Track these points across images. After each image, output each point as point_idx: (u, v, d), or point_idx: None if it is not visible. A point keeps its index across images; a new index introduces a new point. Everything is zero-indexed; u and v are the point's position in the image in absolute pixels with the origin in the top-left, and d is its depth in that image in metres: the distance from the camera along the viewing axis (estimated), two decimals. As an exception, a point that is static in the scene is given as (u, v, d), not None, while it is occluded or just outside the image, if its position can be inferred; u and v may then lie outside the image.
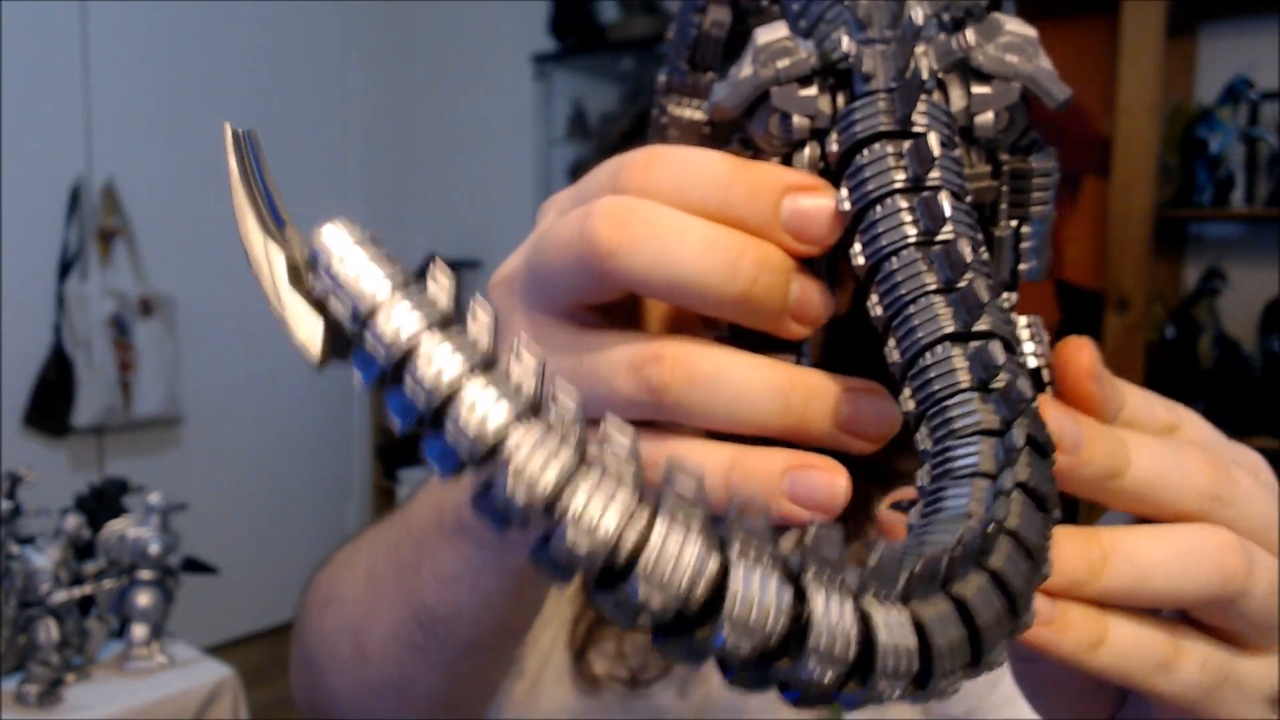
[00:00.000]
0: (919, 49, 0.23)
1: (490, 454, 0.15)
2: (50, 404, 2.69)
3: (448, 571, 0.38)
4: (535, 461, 0.15)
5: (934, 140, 0.22)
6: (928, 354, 0.21)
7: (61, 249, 2.73)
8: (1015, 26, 0.24)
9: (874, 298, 0.22)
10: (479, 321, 0.17)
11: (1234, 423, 1.99)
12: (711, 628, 0.15)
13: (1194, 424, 0.27)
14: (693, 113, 0.33)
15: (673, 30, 0.33)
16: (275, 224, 0.18)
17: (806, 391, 0.24)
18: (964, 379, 0.20)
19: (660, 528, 0.15)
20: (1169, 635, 0.25)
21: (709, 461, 0.23)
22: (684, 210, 0.24)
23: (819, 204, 0.23)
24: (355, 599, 0.46)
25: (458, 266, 3.49)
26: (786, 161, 0.25)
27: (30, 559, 1.32)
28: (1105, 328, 2.08)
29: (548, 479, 0.15)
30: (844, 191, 0.23)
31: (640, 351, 0.24)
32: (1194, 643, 0.25)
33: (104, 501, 1.72)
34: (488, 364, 0.16)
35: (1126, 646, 0.24)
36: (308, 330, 0.18)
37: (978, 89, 0.24)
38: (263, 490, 3.20)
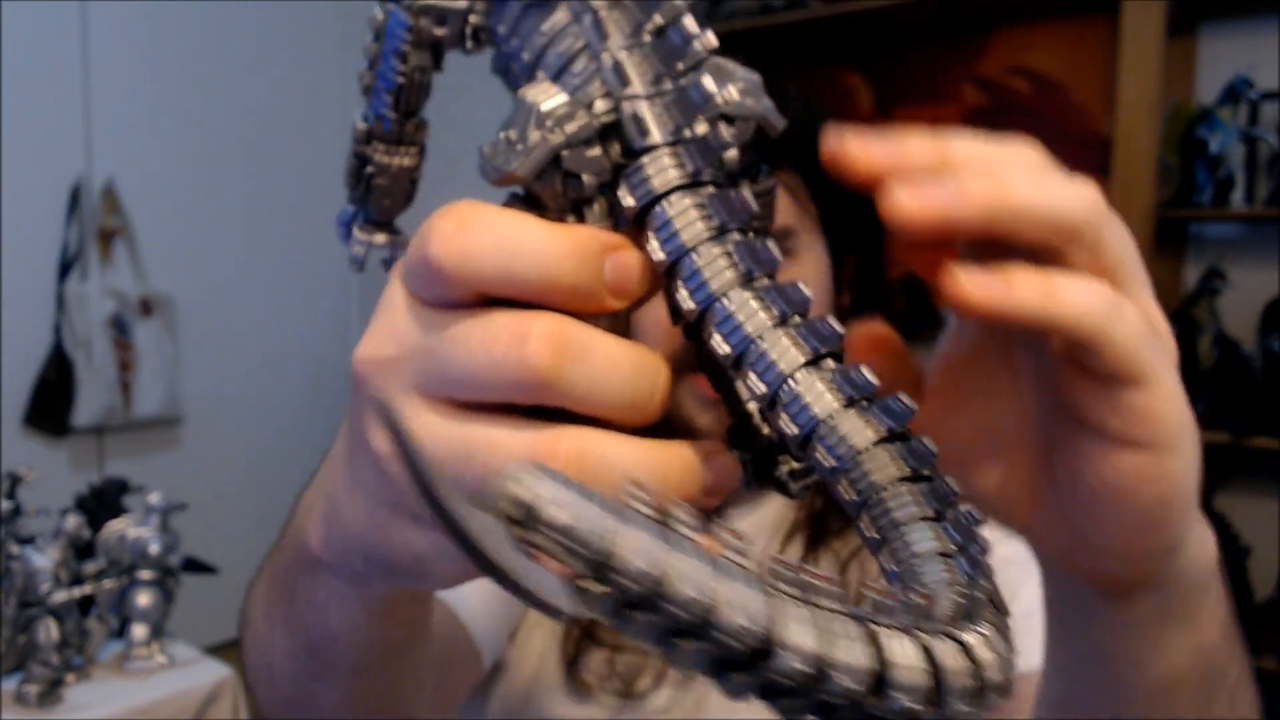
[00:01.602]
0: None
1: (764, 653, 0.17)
2: (50, 404, 2.69)
3: (317, 600, 0.39)
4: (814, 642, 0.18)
5: (746, 191, 0.26)
6: (790, 382, 0.24)
7: (61, 249, 2.73)
8: (744, 72, 0.26)
9: (716, 338, 0.25)
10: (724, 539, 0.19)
11: (1234, 423, 2.00)
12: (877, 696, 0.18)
13: None
14: (401, 160, 0.34)
15: (369, 76, 0.34)
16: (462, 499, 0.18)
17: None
18: (874, 440, 0.24)
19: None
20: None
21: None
22: (514, 283, 0.25)
23: (633, 261, 0.25)
24: (260, 620, 0.48)
25: (458, 266, 3.49)
26: (578, 217, 0.27)
27: (30, 559, 1.32)
28: (1105, 328, 2.08)
29: (855, 659, 0.18)
30: (654, 243, 0.25)
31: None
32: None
33: (104, 501, 1.72)
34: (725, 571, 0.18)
35: (1078, 288, 0.27)
36: (550, 585, 0.18)
37: (726, 130, 0.26)
38: (263, 490, 3.20)
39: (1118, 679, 0.37)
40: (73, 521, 1.40)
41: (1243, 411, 1.98)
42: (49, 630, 1.31)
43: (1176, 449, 0.30)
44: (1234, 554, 2.09)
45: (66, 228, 2.74)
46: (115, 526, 1.41)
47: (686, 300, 0.25)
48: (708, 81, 0.25)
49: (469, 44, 0.31)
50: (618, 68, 0.26)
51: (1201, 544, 0.33)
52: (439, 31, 0.30)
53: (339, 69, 3.38)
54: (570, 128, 0.26)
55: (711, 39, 0.26)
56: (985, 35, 2.52)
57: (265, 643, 0.46)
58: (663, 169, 0.25)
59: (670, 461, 0.25)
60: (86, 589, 1.36)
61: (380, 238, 0.36)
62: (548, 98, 0.26)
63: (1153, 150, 2.03)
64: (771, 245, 0.25)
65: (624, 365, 0.25)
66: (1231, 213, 2.10)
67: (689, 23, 0.26)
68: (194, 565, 1.61)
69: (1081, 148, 2.41)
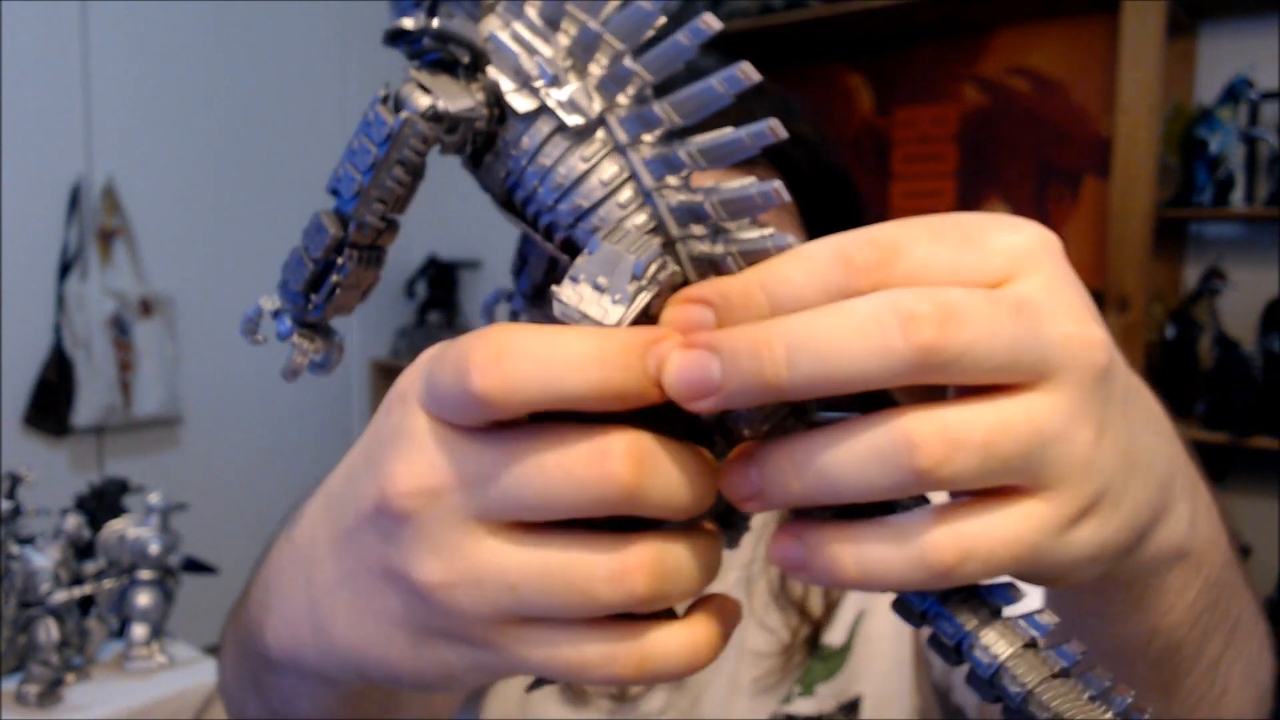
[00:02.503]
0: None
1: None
2: (50, 404, 2.69)
3: (283, 692, 0.39)
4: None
5: None
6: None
7: (61, 249, 2.73)
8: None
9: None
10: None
11: (1234, 423, 1.99)
12: None
13: None
14: (374, 272, 0.33)
15: (359, 179, 0.30)
16: None
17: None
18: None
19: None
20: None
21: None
22: (560, 398, 0.25)
23: (680, 351, 0.26)
24: (231, 680, 0.48)
25: (457, 267, 3.49)
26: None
27: (30, 559, 1.32)
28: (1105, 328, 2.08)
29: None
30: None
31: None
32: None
33: (104, 501, 1.72)
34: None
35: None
36: None
37: None
38: (263, 490, 3.20)
39: None
40: (73, 521, 1.40)
41: (1243, 411, 1.98)
42: (49, 630, 1.31)
43: (1123, 494, 0.27)
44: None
45: (66, 228, 2.74)
46: (115, 526, 1.41)
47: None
48: (752, 234, 0.28)
49: (467, 149, 0.31)
50: (686, 210, 0.28)
51: (1170, 533, 0.31)
52: (446, 139, 0.30)
53: (339, 69, 3.38)
54: (663, 276, 0.27)
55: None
56: (985, 35, 2.52)
57: (239, 704, 0.47)
58: None
59: (715, 555, 0.28)
60: (86, 589, 1.36)
61: (319, 344, 0.34)
62: (641, 251, 0.27)
63: (1153, 150, 2.03)
64: None
65: (691, 470, 0.26)
66: (1231, 213, 2.10)
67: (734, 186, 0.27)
68: (194, 565, 1.60)
69: (1081, 148, 2.41)
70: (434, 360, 0.27)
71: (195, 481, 2.81)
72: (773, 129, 0.26)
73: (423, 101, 0.29)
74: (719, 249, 0.28)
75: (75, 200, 2.74)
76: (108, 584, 1.39)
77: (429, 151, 0.30)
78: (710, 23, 0.26)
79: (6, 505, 1.33)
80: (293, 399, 3.33)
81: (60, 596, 1.32)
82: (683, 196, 0.28)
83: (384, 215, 0.31)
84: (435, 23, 0.29)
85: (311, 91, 3.31)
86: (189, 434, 3.06)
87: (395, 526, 0.27)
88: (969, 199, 2.58)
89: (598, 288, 0.27)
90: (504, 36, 0.29)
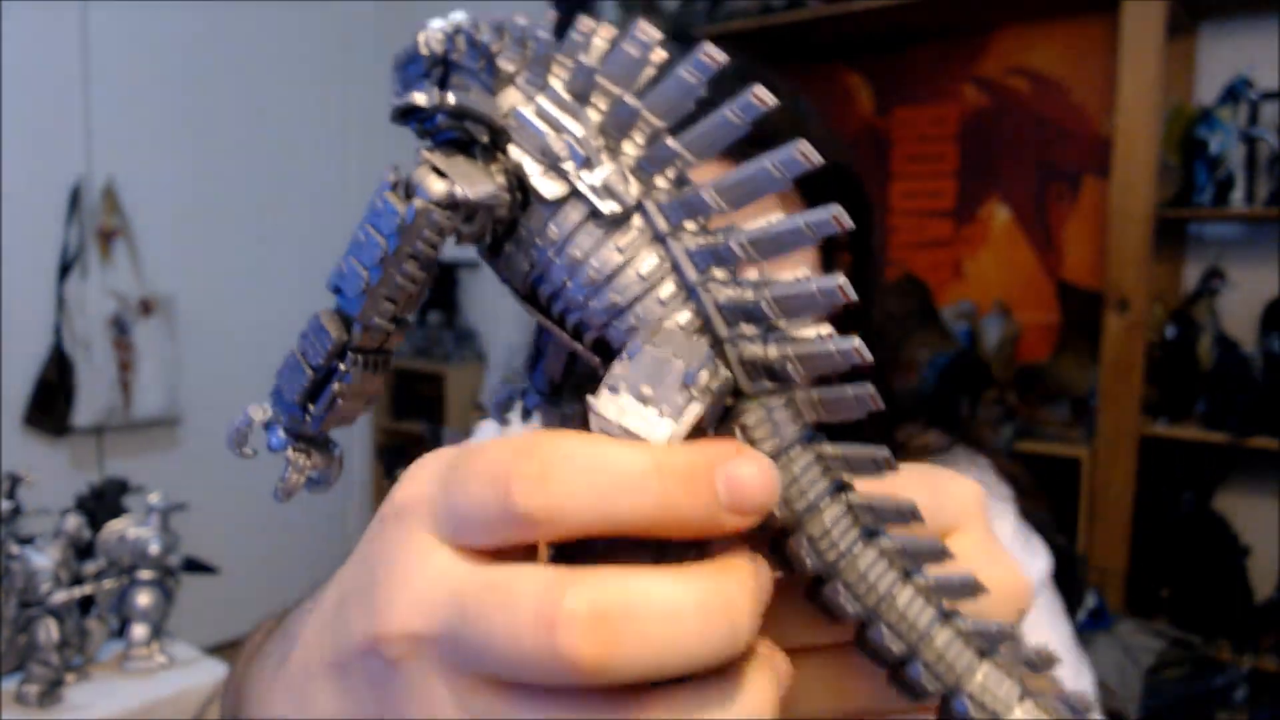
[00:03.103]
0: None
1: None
2: (50, 404, 2.69)
3: None
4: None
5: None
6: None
7: (61, 249, 2.73)
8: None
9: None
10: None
11: (1234, 423, 1.99)
12: None
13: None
14: (377, 380, 0.30)
15: (365, 275, 0.27)
16: None
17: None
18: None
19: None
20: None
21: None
22: (613, 524, 0.22)
23: (751, 473, 0.23)
24: None
25: (457, 267, 3.49)
26: None
27: (30, 559, 1.31)
28: (1105, 328, 2.08)
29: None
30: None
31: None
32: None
33: (104, 501, 1.72)
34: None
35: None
36: None
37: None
38: (263, 490, 3.19)
39: None
40: (73, 521, 1.40)
41: (1243, 411, 1.98)
42: (49, 630, 1.31)
43: None
44: (1234, 554, 2.09)
45: (66, 228, 2.74)
46: (115, 526, 1.41)
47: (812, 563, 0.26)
48: (808, 332, 0.25)
49: (486, 238, 0.28)
50: (737, 308, 0.25)
51: None
52: (463, 228, 0.27)
53: (339, 70, 3.38)
54: (715, 385, 0.24)
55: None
56: (985, 35, 2.52)
57: None
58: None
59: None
60: (86, 589, 1.36)
61: (317, 460, 0.31)
62: (691, 356, 0.24)
63: (1153, 150, 2.03)
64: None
65: (687, 616, 0.21)
66: (1231, 213, 2.10)
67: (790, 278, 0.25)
68: (194, 565, 1.60)
69: (1081, 148, 2.41)
70: (454, 472, 0.24)
71: (195, 481, 2.81)
72: (834, 219, 0.24)
73: (438, 187, 0.26)
74: (774, 352, 0.25)
75: (75, 200, 2.74)
76: (108, 584, 1.39)
77: (444, 243, 0.27)
78: (714, 55, 0.24)
79: (6, 505, 1.33)
80: (293, 399, 3.32)
81: (60, 596, 1.32)
82: (731, 292, 0.25)
83: (394, 316, 0.27)
84: (450, 98, 0.26)
85: (312, 92, 3.31)
86: (189, 434, 3.06)
87: (385, 674, 0.24)
88: (969, 199, 2.58)
89: (641, 399, 0.23)
90: (528, 112, 0.26)
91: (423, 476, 0.25)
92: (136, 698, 1.37)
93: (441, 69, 0.27)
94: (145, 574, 1.40)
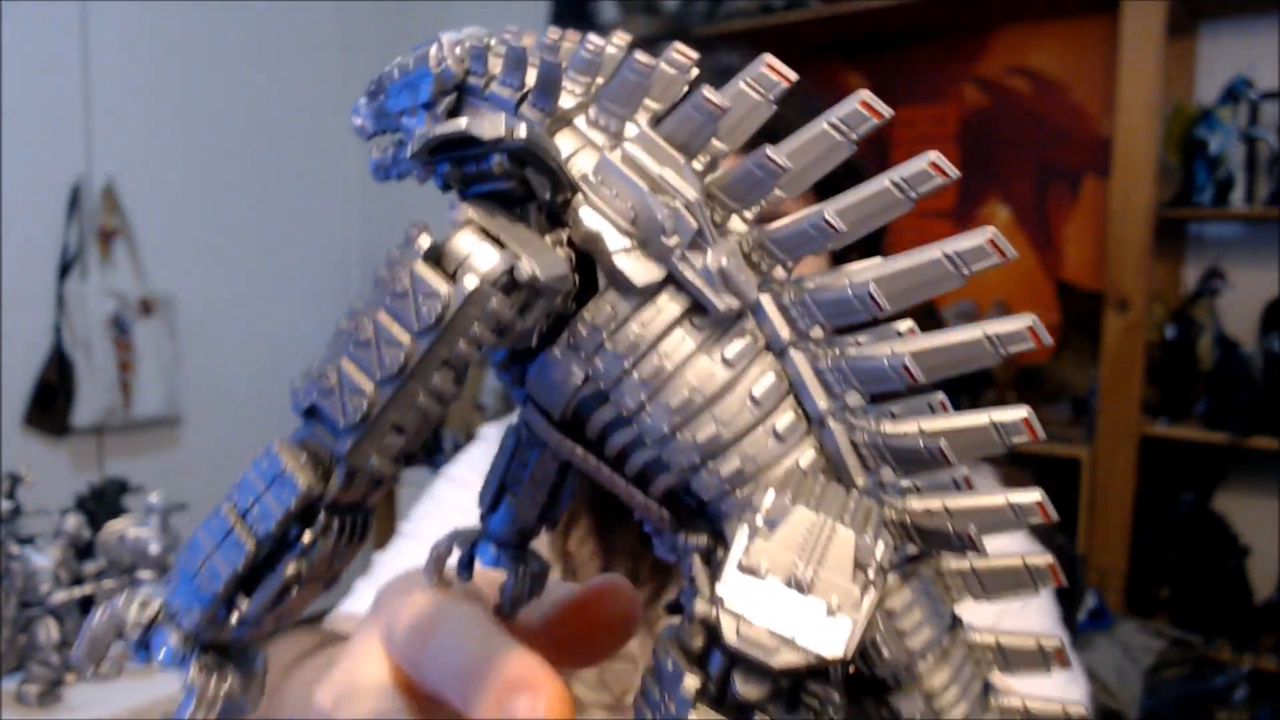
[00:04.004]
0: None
1: None
2: (50, 404, 2.69)
3: None
4: None
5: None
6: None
7: (61, 249, 2.73)
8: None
9: None
10: None
11: (1234, 423, 1.99)
12: None
13: None
14: (351, 553, 0.22)
15: (367, 402, 0.20)
16: None
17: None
18: None
19: None
20: None
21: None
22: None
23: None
24: None
25: (458, 266, 3.48)
26: None
27: (30, 559, 1.32)
28: (1105, 328, 2.08)
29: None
30: None
31: None
32: None
33: (104, 501, 1.72)
34: None
35: None
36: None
37: None
38: (263, 490, 3.19)
39: None
40: (73, 521, 1.40)
41: (1243, 411, 1.98)
42: (49, 630, 1.31)
43: None
44: (1234, 554, 2.09)
45: (66, 228, 2.74)
46: (115, 526, 1.41)
47: None
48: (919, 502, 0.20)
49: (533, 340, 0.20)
50: (900, 451, 0.19)
51: None
52: (518, 324, 0.19)
53: (339, 69, 3.38)
54: (889, 562, 0.18)
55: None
56: (985, 35, 2.52)
57: None
58: None
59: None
60: (86, 589, 1.36)
61: (233, 680, 0.21)
62: (859, 521, 0.18)
63: (1153, 150, 2.03)
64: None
65: None
66: (1231, 213, 2.10)
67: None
68: (194, 565, 1.60)
69: (1081, 148, 2.41)
70: (436, 637, 0.24)
71: (195, 481, 2.81)
72: (1029, 330, 0.19)
73: (494, 262, 0.18)
74: (936, 508, 0.18)
75: (75, 200, 2.74)
76: (108, 584, 1.39)
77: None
78: (779, 70, 0.19)
79: (6, 505, 1.33)
80: (293, 399, 3.32)
81: (60, 596, 1.32)
82: (885, 428, 0.18)
83: (398, 454, 0.20)
84: (522, 130, 0.18)
85: (311, 92, 3.31)
86: (189, 434, 3.06)
87: None
88: (969, 199, 2.58)
89: (796, 584, 0.16)
90: (615, 159, 0.19)
91: (386, 611, 0.27)
92: (136, 698, 1.38)
93: (454, 97, 0.20)
94: (145, 574, 1.40)
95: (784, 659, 0.16)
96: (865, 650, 0.19)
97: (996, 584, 0.19)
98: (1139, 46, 2.01)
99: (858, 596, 0.16)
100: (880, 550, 0.17)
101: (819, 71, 2.73)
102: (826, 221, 0.19)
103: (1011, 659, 0.20)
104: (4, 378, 2.64)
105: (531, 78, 0.19)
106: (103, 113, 2.81)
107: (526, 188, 0.19)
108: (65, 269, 2.73)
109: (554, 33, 0.20)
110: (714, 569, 0.18)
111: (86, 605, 1.41)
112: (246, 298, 3.15)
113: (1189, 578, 2.12)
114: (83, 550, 1.41)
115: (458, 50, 0.20)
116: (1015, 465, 2.06)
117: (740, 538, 0.17)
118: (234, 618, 0.20)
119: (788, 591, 0.16)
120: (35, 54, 2.65)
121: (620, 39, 0.20)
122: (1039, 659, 0.20)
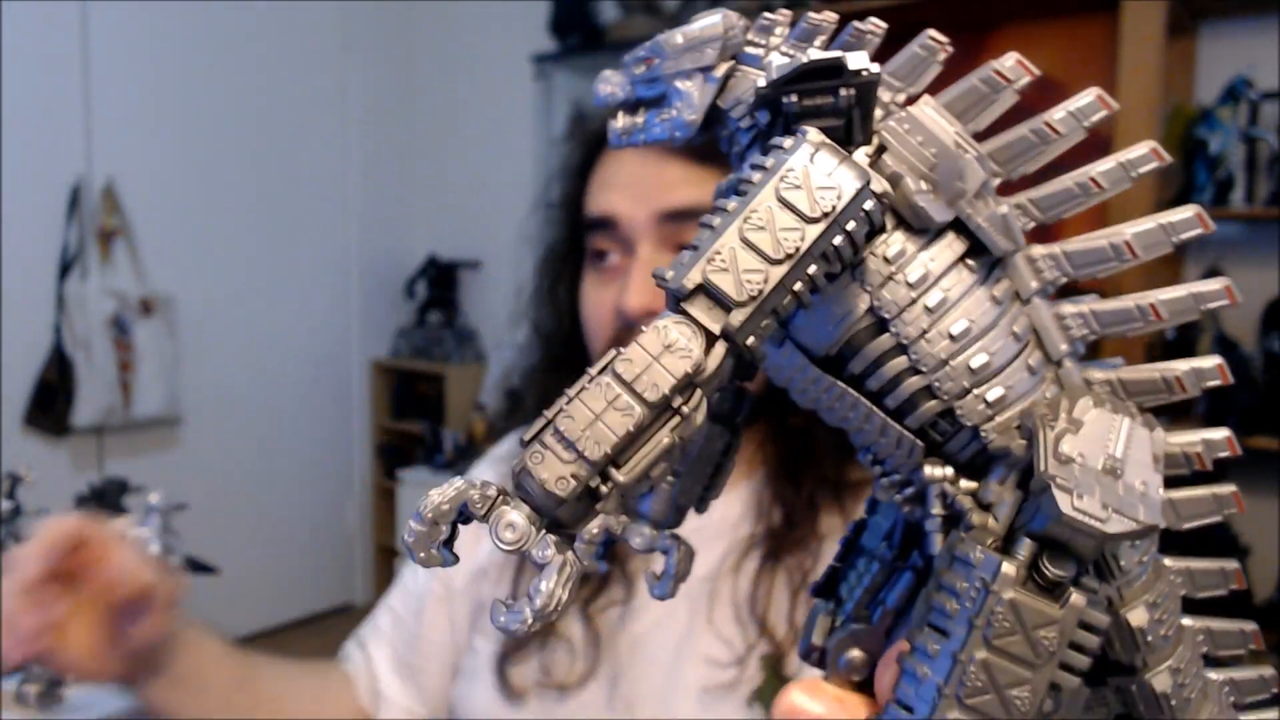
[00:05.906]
0: None
1: None
2: (50, 404, 2.69)
3: None
4: None
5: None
6: None
7: (61, 249, 2.73)
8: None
9: None
10: None
11: (1234, 423, 1.99)
12: None
13: None
14: None
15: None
16: None
17: None
18: None
19: None
20: None
21: None
22: None
23: None
24: None
25: (457, 266, 3.49)
26: None
27: (30, 559, 1.31)
28: (1105, 328, 2.08)
29: None
30: None
31: None
32: None
33: (104, 501, 1.71)
34: None
35: None
36: None
37: None
38: (263, 490, 3.20)
39: None
40: (73, 521, 1.39)
41: (1243, 411, 1.98)
42: (49, 630, 1.31)
43: None
44: (1234, 554, 2.09)
45: (66, 228, 2.74)
46: (115, 526, 1.41)
47: None
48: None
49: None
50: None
51: None
52: (856, 242, 0.21)
53: (339, 69, 3.38)
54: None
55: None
56: (985, 35, 2.51)
57: None
58: None
59: None
60: (86, 589, 1.35)
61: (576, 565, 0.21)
62: (1164, 445, 0.23)
63: (1153, 150, 2.02)
64: None
65: None
66: (1231, 213, 2.10)
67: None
68: (194, 565, 1.60)
69: (1081, 147, 2.41)
70: None
71: (195, 481, 2.81)
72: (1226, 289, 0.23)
73: (864, 169, 0.21)
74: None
75: (75, 200, 2.74)
76: (108, 584, 1.38)
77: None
78: (1022, 64, 0.21)
79: (6, 505, 1.33)
80: (293, 399, 3.32)
81: (60, 596, 1.32)
82: (1123, 373, 0.23)
83: (763, 339, 0.21)
84: (876, 67, 0.22)
85: (312, 92, 3.31)
86: (189, 434, 3.06)
87: None
88: (969, 199, 2.58)
89: (1109, 470, 0.20)
90: (930, 112, 0.22)
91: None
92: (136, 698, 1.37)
93: (731, 64, 0.23)
94: (145, 574, 1.40)
95: (1116, 526, 0.19)
96: (1134, 637, 0.23)
97: (1190, 513, 0.23)
98: (1139, 46, 2.01)
99: (1160, 480, 0.20)
100: (1161, 438, 0.21)
101: (819, 71, 2.73)
102: (1092, 179, 0.23)
103: (1219, 641, 0.24)
104: (4, 378, 2.64)
105: (814, 51, 0.22)
106: (103, 113, 2.81)
107: (846, 131, 0.21)
108: (65, 269, 2.73)
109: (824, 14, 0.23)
110: (951, 503, 0.21)
111: (86, 605, 1.41)
112: (246, 298, 3.15)
113: (1189, 578, 2.12)
114: (83, 550, 1.41)
115: (743, 21, 0.23)
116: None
117: (1051, 434, 0.20)
118: (605, 487, 0.20)
119: (1103, 475, 0.20)
120: (35, 54, 2.65)
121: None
122: (1240, 639, 0.24)
